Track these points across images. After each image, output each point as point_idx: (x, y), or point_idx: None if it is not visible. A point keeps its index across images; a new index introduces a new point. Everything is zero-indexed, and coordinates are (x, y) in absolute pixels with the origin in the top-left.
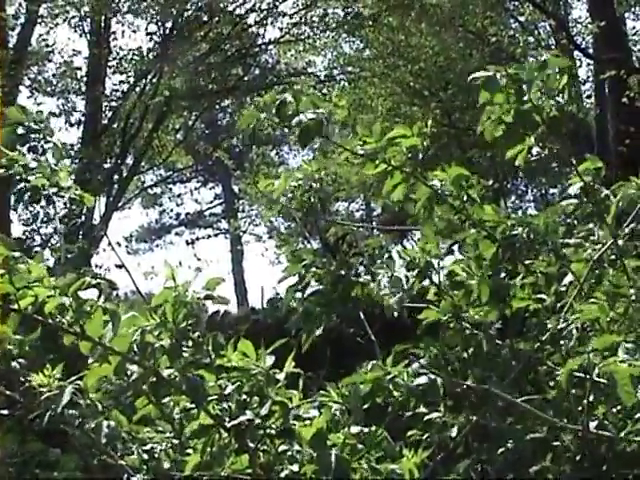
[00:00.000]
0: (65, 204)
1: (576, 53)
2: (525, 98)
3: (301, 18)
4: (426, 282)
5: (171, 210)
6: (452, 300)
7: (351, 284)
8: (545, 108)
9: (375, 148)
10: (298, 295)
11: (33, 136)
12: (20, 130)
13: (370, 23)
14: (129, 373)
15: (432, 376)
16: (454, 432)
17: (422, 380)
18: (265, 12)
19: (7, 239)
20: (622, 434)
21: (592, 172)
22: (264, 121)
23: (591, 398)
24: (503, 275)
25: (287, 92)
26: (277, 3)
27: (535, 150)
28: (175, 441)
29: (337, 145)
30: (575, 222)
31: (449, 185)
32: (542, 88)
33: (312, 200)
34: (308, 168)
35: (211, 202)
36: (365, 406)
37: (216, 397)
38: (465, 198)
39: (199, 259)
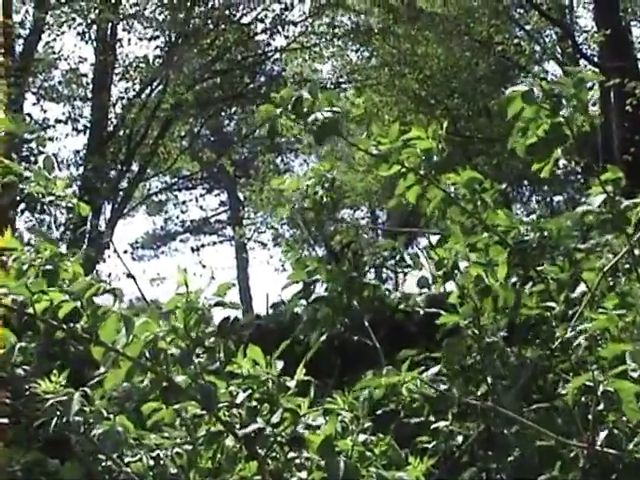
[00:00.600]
0: (69, 212)
1: (582, 61)
2: (560, 113)
3: (308, 27)
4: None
5: (176, 217)
6: (475, 305)
7: (362, 286)
8: (576, 121)
9: (390, 149)
10: (303, 302)
11: (26, 146)
12: (13, 140)
13: (376, 31)
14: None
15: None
16: (460, 440)
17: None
18: (272, 20)
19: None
20: (631, 445)
21: (613, 182)
22: (280, 117)
23: (600, 407)
24: (514, 280)
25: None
26: (284, 12)
27: (562, 162)
28: (183, 447)
29: (352, 144)
30: (587, 229)
31: (462, 189)
32: (575, 103)
33: (324, 199)
34: (321, 168)
35: (216, 209)
36: (378, 412)
37: (227, 404)
38: (478, 202)
39: (204, 266)
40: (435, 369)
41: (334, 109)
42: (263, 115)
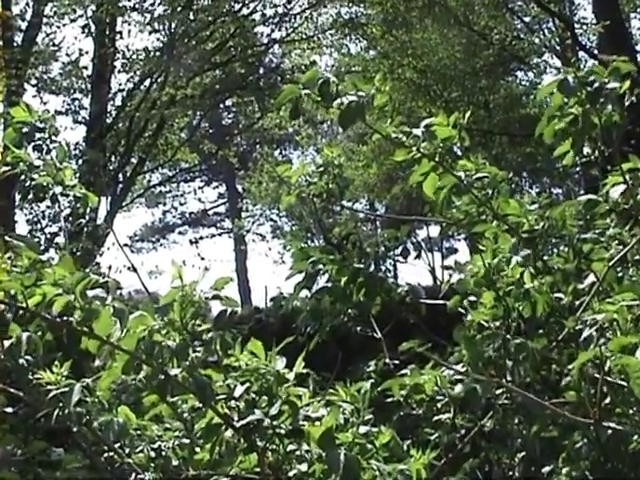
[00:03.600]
0: (69, 203)
1: (581, 53)
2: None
3: (307, 18)
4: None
5: (175, 209)
6: (507, 306)
7: (369, 278)
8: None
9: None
10: (305, 292)
11: (38, 135)
12: (25, 129)
13: (375, 22)
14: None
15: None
16: (462, 432)
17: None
18: (272, 12)
19: (32, 242)
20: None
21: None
22: (304, 99)
23: (607, 400)
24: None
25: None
26: (287, 6)
27: (586, 151)
28: (184, 440)
29: (373, 130)
30: (592, 217)
31: (473, 177)
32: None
33: (330, 186)
34: (329, 153)
35: (215, 201)
36: (380, 404)
37: (224, 396)
38: (489, 191)
39: (203, 258)
40: (458, 367)
41: (359, 94)
42: (287, 94)
